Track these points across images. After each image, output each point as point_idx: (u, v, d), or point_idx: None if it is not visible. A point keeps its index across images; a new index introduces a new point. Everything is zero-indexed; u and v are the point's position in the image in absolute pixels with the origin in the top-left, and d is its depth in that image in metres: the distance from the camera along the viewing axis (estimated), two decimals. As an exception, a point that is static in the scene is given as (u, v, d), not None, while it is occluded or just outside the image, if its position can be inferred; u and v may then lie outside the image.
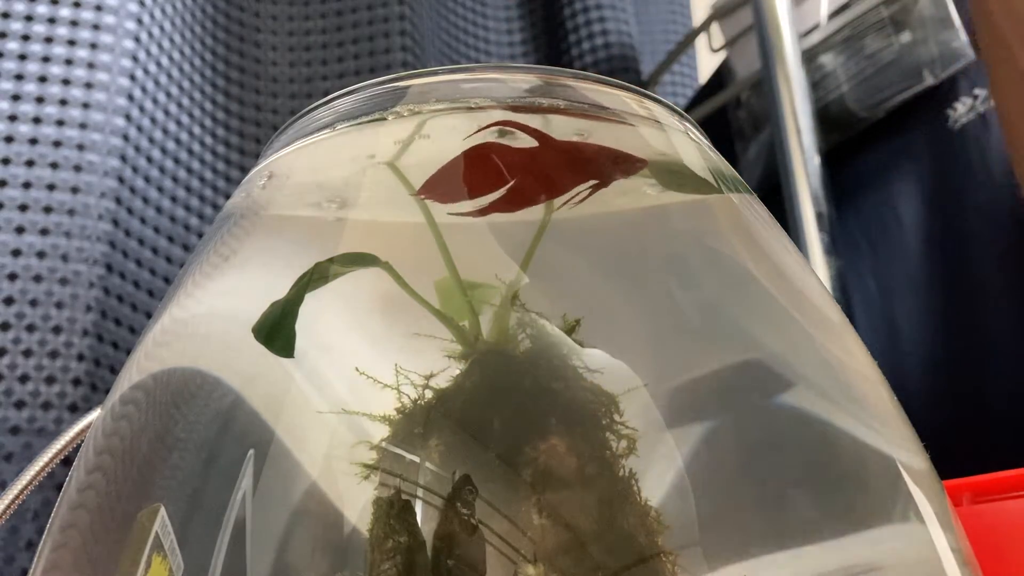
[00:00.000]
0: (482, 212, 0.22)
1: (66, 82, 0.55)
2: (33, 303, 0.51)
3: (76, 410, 0.50)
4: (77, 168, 0.54)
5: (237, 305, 0.24)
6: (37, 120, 0.54)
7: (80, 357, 0.51)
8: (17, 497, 0.27)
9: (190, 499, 0.21)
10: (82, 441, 0.26)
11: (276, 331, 0.22)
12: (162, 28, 0.61)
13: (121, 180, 0.55)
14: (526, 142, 0.24)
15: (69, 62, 0.56)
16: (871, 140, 0.70)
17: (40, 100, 0.54)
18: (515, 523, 0.18)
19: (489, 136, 0.25)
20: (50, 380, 0.50)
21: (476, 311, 0.21)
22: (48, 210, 0.53)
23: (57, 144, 0.54)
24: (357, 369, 0.21)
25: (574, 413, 0.20)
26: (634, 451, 0.20)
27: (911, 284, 0.58)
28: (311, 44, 0.70)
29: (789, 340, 0.23)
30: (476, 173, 0.23)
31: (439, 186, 0.23)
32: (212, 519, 0.19)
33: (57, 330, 0.51)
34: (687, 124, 0.28)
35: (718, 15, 0.90)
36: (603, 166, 0.24)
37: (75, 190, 0.53)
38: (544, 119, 0.26)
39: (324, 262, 0.23)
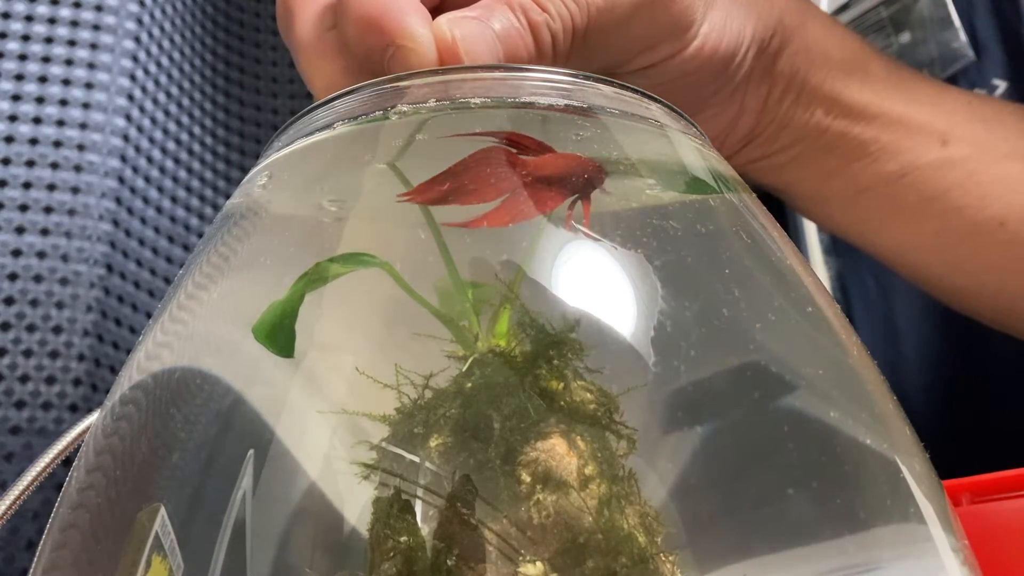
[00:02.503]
0: (476, 223, 0.22)
1: (66, 82, 0.55)
2: (33, 303, 0.51)
3: (76, 410, 0.50)
4: (77, 168, 0.54)
5: (237, 305, 0.24)
6: (37, 120, 0.54)
7: (80, 357, 0.51)
8: (18, 498, 0.27)
9: (190, 499, 0.21)
10: (83, 441, 0.26)
11: (276, 331, 0.22)
12: (162, 28, 0.61)
13: (121, 180, 0.55)
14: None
15: (69, 62, 0.56)
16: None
17: (40, 100, 0.54)
18: (515, 523, 0.19)
19: (489, 140, 0.25)
20: (50, 380, 0.50)
21: (476, 311, 0.21)
22: (48, 210, 0.53)
23: (57, 144, 0.54)
24: (357, 369, 0.21)
25: (574, 413, 0.20)
26: (634, 451, 0.20)
27: (911, 284, 0.58)
28: (311, 44, 0.70)
29: (789, 340, 0.23)
30: (471, 183, 0.23)
31: (428, 192, 0.23)
32: (212, 519, 0.19)
33: (57, 330, 0.51)
34: (687, 124, 0.28)
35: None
36: (579, 178, 0.24)
37: (75, 190, 0.53)
38: (543, 119, 0.26)
39: (324, 262, 0.23)
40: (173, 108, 0.61)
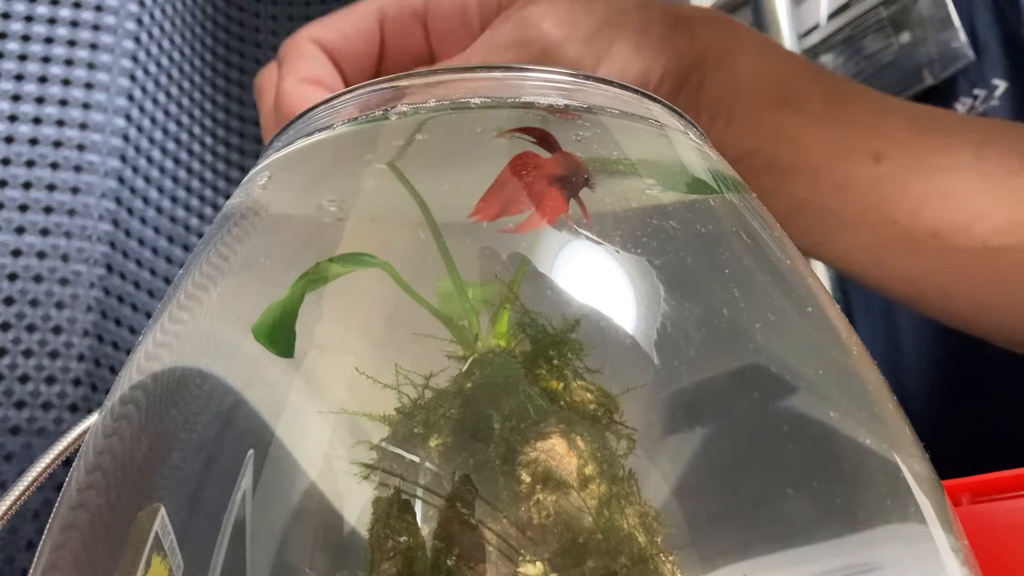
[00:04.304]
0: (526, 226, 0.22)
1: (66, 82, 0.55)
2: (33, 303, 0.51)
3: (76, 410, 0.50)
4: (77, 168, 0.54)
5: (237, 305, 0.24)
6: (37, 120, 0.54)
7: (80, 357, 0.51)
8: (18, 498, 0.27)
9: (190, 499, 0.21)
10: (83, 442, 0.26)
11: (276, 331, 0.22)
12: (162, 28, 0.61)
13: (121, 180, 0.55)
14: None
15: (69, 62, 0.56)
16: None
17: (40, 100, 0.54)
18: (515, 523, 0.19)
19: (513, 142, 0.25)
20: (50, 380, 0.50)
21: (476, 311, 0.21)
22: (48, 210, 0.53)
23: (57, 144, 0.54)
24: (357, 369, 0.21)
25: (574, 413, 0.20)
26: (634, 451, 0.20)
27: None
28: (311, 44, 0.70)
29: (789, 340, 0.23)
30: (520, 189, 0.23)
31: (489, 208, 0.23)
32: (212, 519, 0.19)
33: (57, 330, 0.51)
34: (687, 124, 0.28)
35: (718, 15, 0.90)
36: (581, 175, 0.24)
37: (75, 190, 0.53)
38: (543, 119, 0.26)
39: (324, 262, 0.23)
40: (173, 108, 0.61)
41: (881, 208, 0.46)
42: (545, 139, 0.24)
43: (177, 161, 0.61)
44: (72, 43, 0.56)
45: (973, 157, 0.46)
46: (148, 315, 0.56)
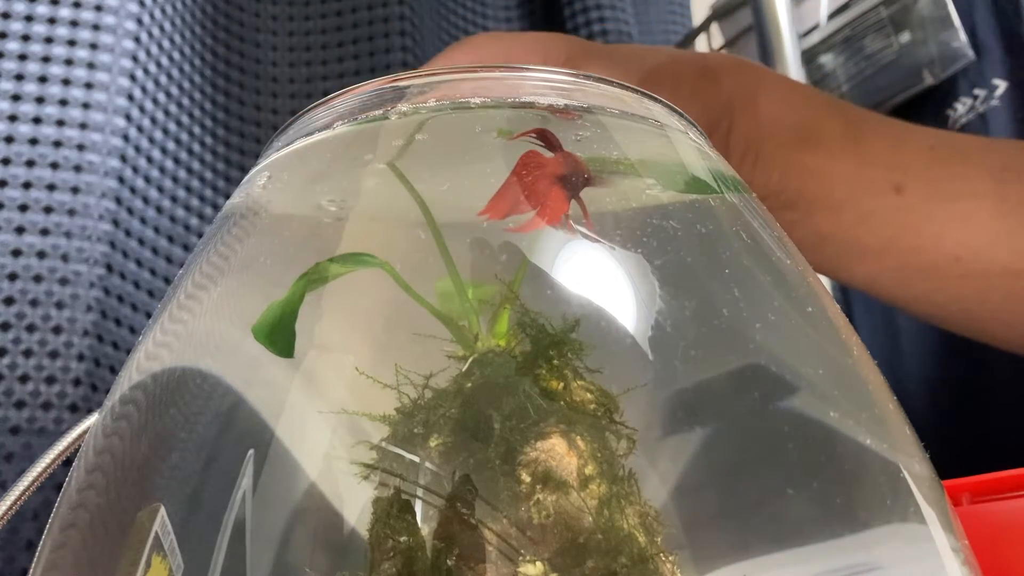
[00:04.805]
0: (522, 228, 0.22)
1: (66, 82, 0.55)
2: (33, 303, 0.51)
3: (76, 410, 0.50)
4: (77, 168, 0.54)
5: (237, 305, 0.24)
6: (37, 120, 0.54)
7: (80, 357, 0.51)
8: (18, 499, 0.27)
9: (190, 499, 0.21)
10: (82, 442, 0.26)
11: (276, 331, 0.22)
12: (162, 28, 0.61)
13: (121, 180, 0.55)
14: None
15: (69, 62, 0.56)
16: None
17: (40, 100, 0.54)
18: (515, 523, 0.19)
19: (512, 143, 0.25)
20: (50, 380, 0.50)
21: (476, 311, 0.21)
22: (48, 210, 0.53)
23: (57, 144, 0.54)
24: (357, 369, 0.21)
25: (574, 413, 0.20)
26: (634, 451, 0.20)
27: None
28: (311, 44, 0.70)
29: (789, 340, 0.23)
30: (524, 188, 0.23)
31: (499, 207, 0.23)
32: (212, 519, 0.19)
33: (57, 330, 0.51)
34: (687, 124, 0.28)
35: (718, 15, 0.90)
36: (583, 176, 0.24)
37: (75, 190, 0.53)
38: (543, 119, 0.26)
39: (324, 262, 0.23)
40: (173, 108, 0.61)
41: (904, 236, 0.47)
42: (546, 139, 0.24)
43: (177, 161, 0.61)
44: (72, 43, 0.56)
45: (992, 183, 0.47)
46: (148, 315, 0.56)
